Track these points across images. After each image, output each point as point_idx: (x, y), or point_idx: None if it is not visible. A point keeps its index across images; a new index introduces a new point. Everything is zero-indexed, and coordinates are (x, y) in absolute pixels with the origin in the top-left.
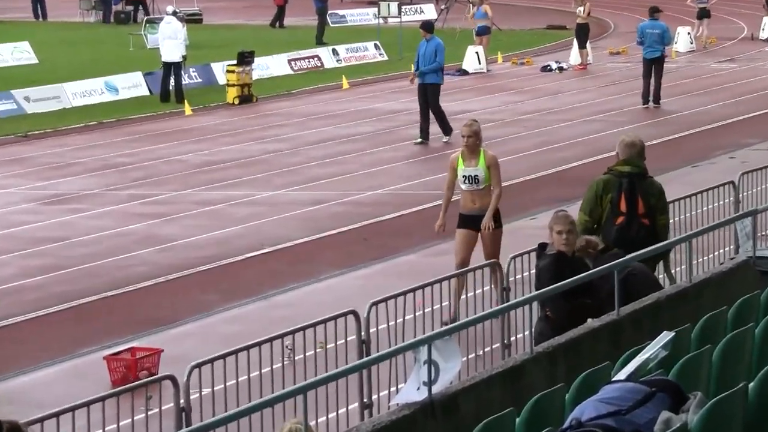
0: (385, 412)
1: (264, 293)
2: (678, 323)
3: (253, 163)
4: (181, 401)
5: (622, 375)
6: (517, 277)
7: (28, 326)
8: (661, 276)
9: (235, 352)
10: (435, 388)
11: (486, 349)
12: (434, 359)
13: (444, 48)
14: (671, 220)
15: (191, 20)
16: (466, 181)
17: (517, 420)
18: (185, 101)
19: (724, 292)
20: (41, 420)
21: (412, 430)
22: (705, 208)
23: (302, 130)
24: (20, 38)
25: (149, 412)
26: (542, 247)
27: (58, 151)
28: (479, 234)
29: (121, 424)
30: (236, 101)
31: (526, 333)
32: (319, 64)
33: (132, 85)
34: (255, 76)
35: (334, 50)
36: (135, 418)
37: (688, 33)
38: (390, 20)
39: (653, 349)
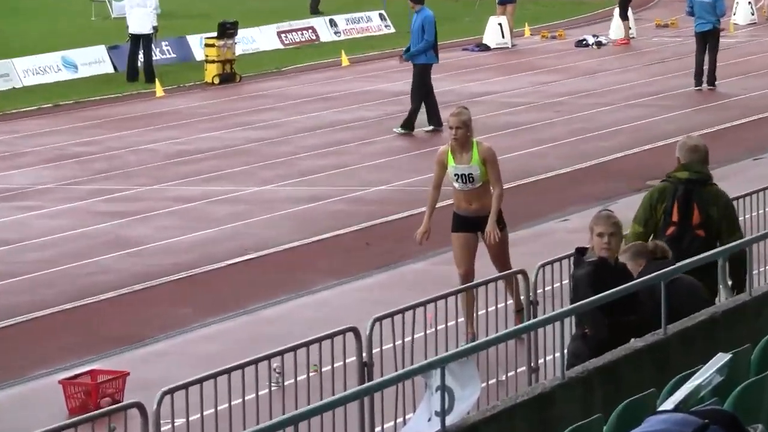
0: None
1: (248, 307)
2: (735, 344)
3: (236, 154)
4: None
5: (669, 404)
6: (546, 288)
7: None
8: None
9: (214, 376)
10: (449, 420)
11: (509, 374)
12: (448, 385)
13: (433, 20)
14: None
15: None
16: (459, 180)
17: None
18: (156, 80)
19: None
20: None
21: None
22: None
23: (294, 114)
24: None
25: None
26: (580, 252)
27: (7, 138)
28: (480, 236)
29: None
30: (216, 81)
31: (557, 355)
32: (314, 38)
33: (93, 60)
34: (238, 51)
35: (331, 21)
36: None
37: (749, 2)
38: None
39: (706, 373)
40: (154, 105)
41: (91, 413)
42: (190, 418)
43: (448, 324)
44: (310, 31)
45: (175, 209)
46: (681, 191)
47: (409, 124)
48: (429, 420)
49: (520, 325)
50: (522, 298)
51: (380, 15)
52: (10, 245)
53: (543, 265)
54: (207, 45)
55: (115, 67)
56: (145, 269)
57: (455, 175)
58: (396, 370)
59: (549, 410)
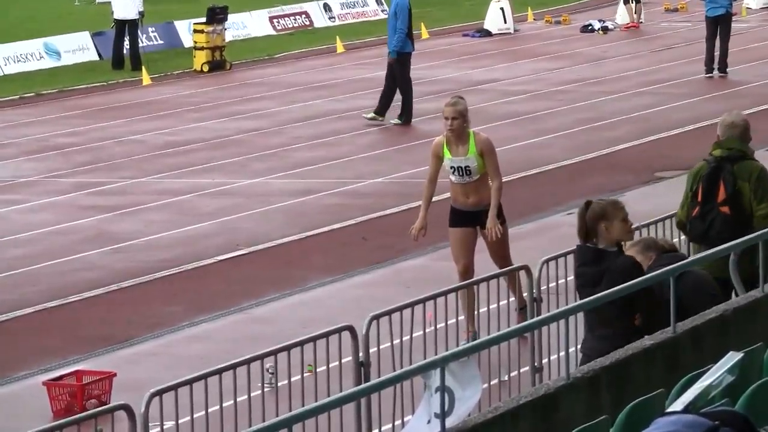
0: None
1: (240, 305)
2: (747, 342)
3: (227, 145)
4: None
5: (678, 405)
6: (550, 285)
7: None
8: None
9: (204, 377)
10: (449, 422)
11: (512, 374)
12: (448, 386)
13: (407, 8)
14: None
15: None
16: (456, 173)
17: None
18: (143, 68)
19: None
20: None
21: None
22: None
23: (286, 104)
24: None
25: None
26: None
27: None
28: (478, 230)
29: None
30: (205, 68)
31: (562, 354)
32: (307, 23)
33: (77, 47)
34: (228, 37)
35: (326, 5)
36: None
37: None
38: None
39: (717, 373)
40: (140, 94)
41: (77, 416)
42: (180, 421)
43: (448, 322)
44: (303, 16)
45: (163, 203)
46: (708, 169)
47: (383, 110)
48: (428, 422)
49: (523, 323)
50: (525, 294)
51: (376, 0)
52: None
53: (547, 261)
54: (196, 31)
55: (99, 55)
56: (132, 266)
57: (452, 167)
58: (394, 370)
59: (554, 412)
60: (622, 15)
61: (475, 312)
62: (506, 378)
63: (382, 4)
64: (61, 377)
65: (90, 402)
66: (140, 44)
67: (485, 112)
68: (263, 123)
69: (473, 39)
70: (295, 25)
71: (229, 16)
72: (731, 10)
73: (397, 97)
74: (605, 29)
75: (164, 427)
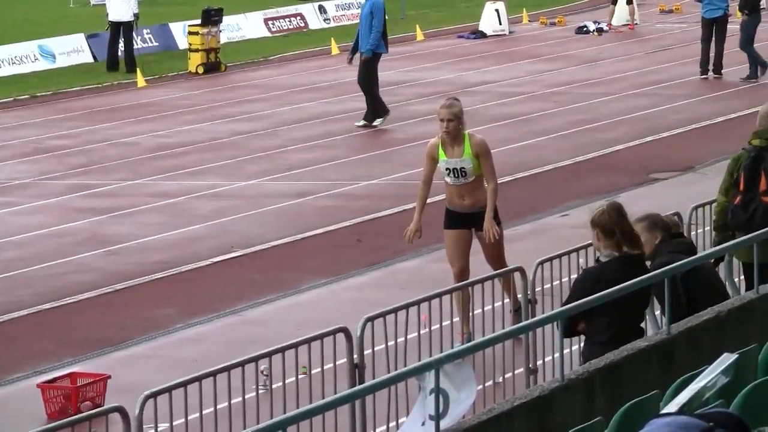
0: None
1: (234, 307)
2: (742, 343)
3: (221, 147)
4: None
5: (673, 406)
6: (545, 286)
7: None
8: None
9: (199, 379)
10: (444, 424)
11: (507, 375)
12: (443, 387)
13: (383, 7)
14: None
15: None
16: (451, 175)
17: None
18: (137, 70)
19: None
20: None
21: None
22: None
23: (281, 105)
24: None
25: None
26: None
27: None
28: (474, 232)
29: None
30: (200, 70)
31: (556, 355)
32: (302, 25)
33: (72, 50)
34: (223, 39)
35: (320, 7)
36: None
37: None
38: None
39: (711, 374)
40: (135, 96)
41: (71, 418)
42: (174, 423)
43: (443, 324)
44: (298, 18)
45: (157, 205)
46: (748, 159)
47: (375, 113)
48: (423, 424)
49: (518, 325)
50: (520, 296)
51: None
52: None
53: (542, 262)
54: (190, 33)
55: (94, 57)
56: (126, 268)
57: (447, 169)
58: (388, 372)
59: (548, 413)
60: (617, 16)
61: (470, 313)
62: (501, 379)
63: None
64: (55, 379)
65: (84, 404)
66: (135, 46)
67: (480, 113)
68: (257, 125)
69: (468, 40)
70: (290, 27)
71: (224, 18)
72: (728, 11)
73: (398, 96)
74: (600, 30)
75: (158, 429)
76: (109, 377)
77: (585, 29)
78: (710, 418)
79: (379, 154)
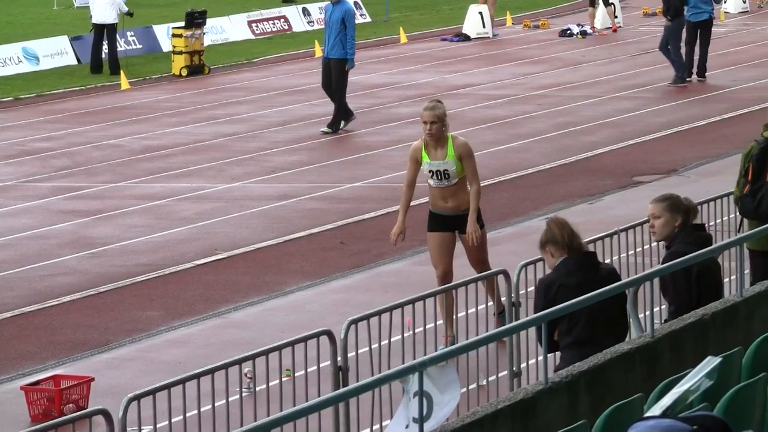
0: None
1: (218, 309)
2: (726, 347)
3: (205, 149)
4: None
5: (657, 410)
6: (528, 289)
7: None
8: None
9: (182, 382)
10: (428, 426)
11: (491, 378)
12: (427, 390)
13: (354, 14)
14: (718, 220)
15: None
16: (434, 177)
17: None
18: (121, 72)
19: None
20: None
21: None
22: None
23: (265, 108)
24: None
25: None
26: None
27: None
28: (457, 235)
29: None
30: (184, 72)
31: (540, 358)
32: (286, 27)
33: (56, 52)
34: (207, 41)
35: (304, 10)
36: None
37: None
38: None
39: (695, 377)
40: (118, 98)
41: (55, 420)
42: (158, 426)
43: (427, 327)
44: (282, 20)
45: (141, 207)
46: (758, 150)
47: (342, 119)
48: (407, 427)
49: (502, 328)
50: (503, 299)
51: (355, 3)
52: None
53: (525, 265)
54: (174, 35)
55: (78, 59)
56: (110, 270)
57: (430, 171)
58: (372, 375)
59: (532, 416)
60: (601, 19)
61: (454, 316)
62: (485, 382)
63: (361, 8)
64: (38, 382)
65: (68, 407)
66: (119, 48)
67: (464, 116)
68: (241, 127)
69: (452, 43)
70: (274, 29)
71: (208, 21)
72: (713, 15)
73: (381, 99)
74: (584, 33)
75: (142, 431)
76: (93, 380)
77: (568, 32)
78: (694, 421)
79: (363, 157)
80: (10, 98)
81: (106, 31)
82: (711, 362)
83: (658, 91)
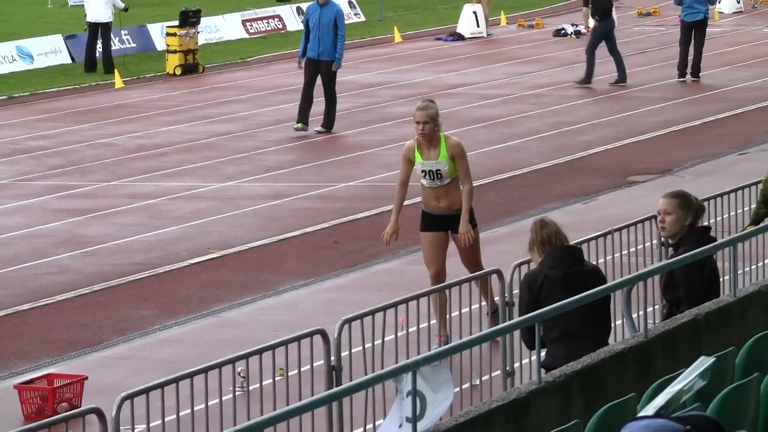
0: None
1: (211, 308)
2: (719, 347)
3: (199, 148)
4: None
5: (650, 409)
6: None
7: None
8: None
9: (176, 381)
10: (421, 425)
11: (484, 378)
12: (420, 390)
13: (344, 14)
14: (712, 220)
15: None
16: (427, 177)
17: None
18: (115, 71)
19: None
20: None
21: None
22: (754, 205)
23: (259, 107)
24: None
25: None
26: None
27: None
28: (450, 234)
29: None
30: (178, 71)
31: (533, 358)
32: (280, 26)
33: (50, 50)
34: (201, 40)
35: (298, 9)
36: None
37: None
38: None
39: (689, 377)
40: (112, 97)
41: (48, 419)
42: (151, 425)
43: (420, 326)
44: (276, 19)
45: (135, 206)
46: None
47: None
48: (400, 426)
49: (495, 328)
50: (497, 299)
51: (349, 3)
52: None
53: (519, 265)
54: (168, 34)
55: (72, 58)
56: (104, 269)
57: (422, 171)
58: (366, 374)
59: (525, 416)
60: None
61: (447, 316)
62: (478, 382)
63: (355, 8)
64: (32, 380)
65: (61, 405)
66: (113, 47)
67: (458, 115)
68: (236, 126)
69: (446, 43)
70: (268, 28)
71: (202, 20)
72: (708, 15)
73: (376, 98)
74: (578, 33)
75: (135, 430)
76: (86, 378)
77: (563, 32)
78: (687, 421)
79: (357, 156)
80: (4, 97)
81: (100, 30)
82: (704, 362)
83: (652, 90)
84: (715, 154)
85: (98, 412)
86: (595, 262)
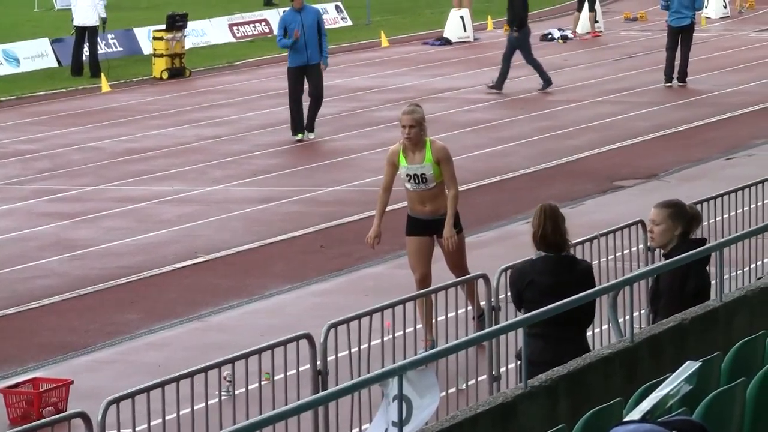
0: None
1: (197, 313)
2: (706, 351)
3: (186, 152)
4: None
5: (636, 414)
6: (508, 293)
7: None
8: None
9: (162, 385)
10: (407, 430)
11: (470, 382)
12: (406, 394)
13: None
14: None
15: None
16: (412, 181)
17: None
18: (102, 75)
19: (762, 313)
20: None
21: None
22: (741, 210)
23: (246, 111)
24: None
25: None
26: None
27: None
28: (435, 239)
29: None
30: (165, 75)
31: (519, 362)
32: (267, 30)
33: (37, 54)
34: (188, 44)
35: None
36: None
37: None
38: None
39: (675, 382)
40: (99, 101)
41: (34, 423)
42: (137, 429)
43: (406, 331)
44: (263, 23)
45: (122, 210)
46: None
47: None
48: (386, 430)
49: (481, 332)
50: (483, 303)
51: (336, 7)
52: None
53: (505, 269)
54: (155, 38)
55: (59, 61)
56: (90, 273)
57: (407, 175)
58: (352, 379)
59: (511, 420)
60: (582, 24)
61: (433, 320)
62: (464, 386)
63: (342, 12)
64: (17, 384)
65: (47, 409)
66: (100, 51)
67: (445, 120)
68: (223, 130)
69: (433, 47)
70: (255, 32)
71: (189, 24)
72: (694, 20)
73: (364, 102)
74: (565, 38)
75: None
76: (72, 382)
77: (550, 37)
78: (673, 425)
79: (345, 160)
80: None
81: (87, 34)
82: (690, 367)
83: (639, 95)
84: (702, 159)
85: (84, 416)
86: None
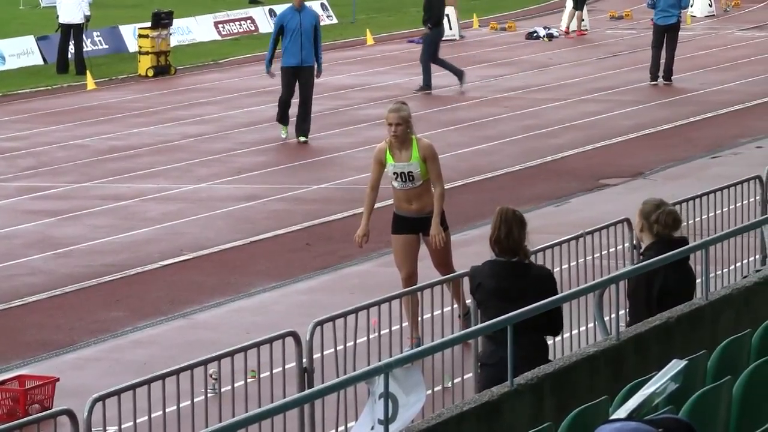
0: None
1: (183, 310)
2: (691, 349)
3: (171, 150)
4: None
5: (622, 412)
6: None
7: None
8: None
9: (147, 383)
10: (393, 428)
11: (456, 380)
12: (392, 392)
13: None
14: (684, 223)
15: None
16: (398, 179)
17: None
18: (87, 73)
19: (747, 312)
20: None
21: None
22: (725, 209)
23: (231, 109)
24: None
25: None
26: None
27: None
28: (421, 237)
29: None
30: (150, 73)
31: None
32: (252, 28)
33: (21, 51)
34: (173, 42)
35: (271, 11)
36: None
37: None
38: None
39: (661, 380)
40: (85, 98)
41: (20, 420)
42: (123, 426)
43: (392, 329)
44: (248, 21)
45: (107, 208)
46: None
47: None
48: (372, 428)
49: (467, 330)
50: (468, 301)
51: (322, 5)
52: None
53: None
54: (141, 36)
55: (44, 59)
56: (75, 270)
57: (394, 173)
58: (338, 377)
59: (497, 418)
60: (567, 21)
61: (419, 318)
62: (450, 384)
63: (327, 10)
64: (3, 382)
65: (32, 407)
66: (85, 49)
67: (430, 118)
68: (208, 128)
69: (419, 45)
70: (241, 30)
71: (175, 21)
72: (680, 18)
73: (349, 100)
74: (550, 36)
75: None
76: (58, 380)
77: (535, 35)
78: (659, 423)
79: (330, 158)
80: None
81: (72, 31)
82: (676, 365)
83: (625, 93)
84: (687, 158)
85: (70, 414)
86: (567, 265)
